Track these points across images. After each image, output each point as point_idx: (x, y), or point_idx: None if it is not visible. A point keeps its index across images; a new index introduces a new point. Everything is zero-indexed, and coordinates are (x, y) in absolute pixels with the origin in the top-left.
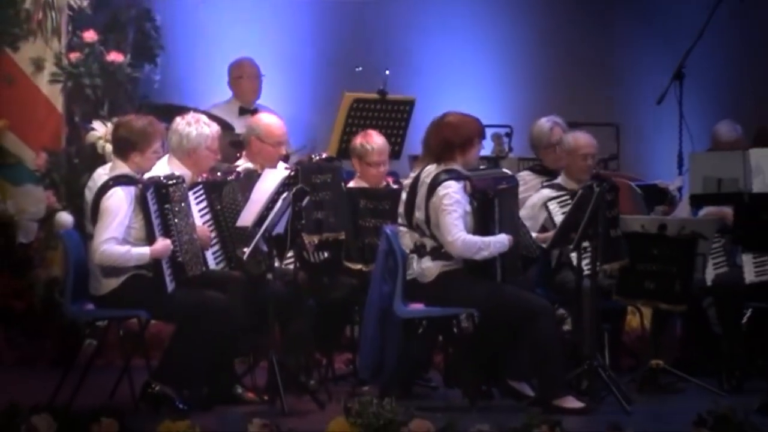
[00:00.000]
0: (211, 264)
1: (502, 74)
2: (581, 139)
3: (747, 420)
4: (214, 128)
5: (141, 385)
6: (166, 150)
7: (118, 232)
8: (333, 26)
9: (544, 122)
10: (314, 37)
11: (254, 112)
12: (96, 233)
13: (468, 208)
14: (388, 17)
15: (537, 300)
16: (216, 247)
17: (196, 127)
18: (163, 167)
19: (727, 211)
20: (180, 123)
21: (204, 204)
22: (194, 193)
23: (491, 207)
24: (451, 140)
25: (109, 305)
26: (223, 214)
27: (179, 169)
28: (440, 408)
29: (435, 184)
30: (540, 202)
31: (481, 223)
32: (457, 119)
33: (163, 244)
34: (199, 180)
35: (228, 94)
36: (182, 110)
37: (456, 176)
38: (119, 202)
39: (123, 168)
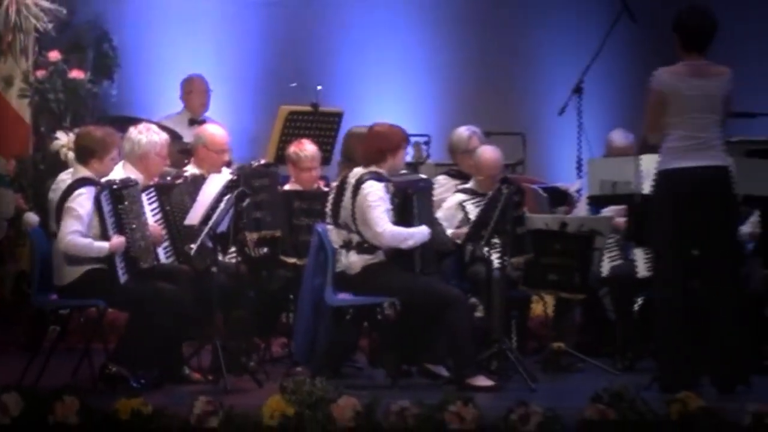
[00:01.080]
0: (162, 258)
1: (420, 88)
2: (488, 158)
3: (638, 396)
4: (163, 136)
5: (99, 367)
6: (123, 157)
7: (82, 226)
8: (272, 47)
9: (463, 131)
10: (256, 57)
11: (202, 123)
12: (62, 227)
13: (390, 205)
14: (321, 38)
15: (452, 290)
16: (166, 244)
17: (146, 135)
18: (119, 172)
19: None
20: (133, 132)
21: (155, 205)
22: (147, 195)
23: (410, 203)
24: (381, 147)
25: (71, 295)
26: (173, 214)
27: (133, 173)
28: (365, 386)
29: (359, 184)
30: (455, 203)
31: (402, 218)
32: (385, 129)
33: (119, 240)
34: (151, 183)
35: (179, 106)
36: (136, 121)
37: (378, 177)
38: (84, 201)
39: (84, 172)
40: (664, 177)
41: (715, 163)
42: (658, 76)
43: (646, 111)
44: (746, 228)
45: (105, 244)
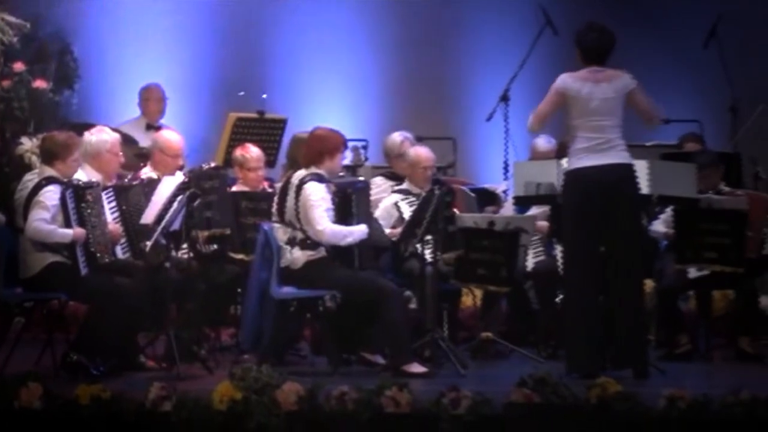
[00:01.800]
0: (119, 254)
1: (360, 96)
2: (421, 154)
3: (560, 381)
4: (114, 135)
5: (61, 356)
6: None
7: (48, 216)
8: (222, 58)
9: (396, 136)
10: (207, 67)
11: (158, 129)
12: (30, 216)
13: (331, 205)
14: (267, 50)
15: (388, 284)
16: (123, 241)
17: (97, 135)
18: (80, 174)
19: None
20: (86, 134)
21: (113, 204)
22: (105, 194)
23: (350, 202)
24: (320, 150)
25: (35, 288)
26: (129, 214)
27: (91, 174)
28: (308, 373)
29: (302, 184)
30: (391, 203)
31: (342, 216)
32: (325, 132)
33: (81, 230)
34: (110, 184)
35: (137, 112)
36: (94, 127)
37: (319, 179)
38: (51, 195)
39: (50, 172)
40: (571, 176)
41: (617, 161)
42: (562, 79)
43: (541, 104)
44: (660, 227)
45: (69, 231)
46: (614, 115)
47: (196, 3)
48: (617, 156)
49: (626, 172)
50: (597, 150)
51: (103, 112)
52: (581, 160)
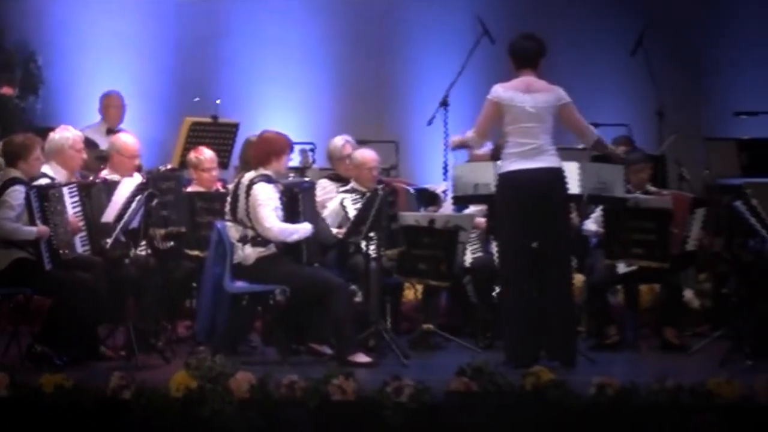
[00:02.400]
0: (78, 249)
1: (308, 101)
2: (367, 156)
3: (497, 370)
4: (76, 133)
5: (26, 347)
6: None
7: (13, 214)
8: (178, 66)
9: (338, 140)
10: (164, 75)
11: (118, 133)
12: None
13: (279, 204)
14: (221, 59)
15: (334, 278)
16: (83, 235)
17: (60, 133)
18: (47, 171)
19: (481, 221)
20: (50, 134)
21: (76, 200)
22: (69, 189)
23: (296, 201)
24: (267, 151)
25: (1, 284)
26: (91, 210)
27: (56, 170)
28: (259, 363)
29: (251, 185)
30: (338, 204)
31: (290, 214)
32: (272, 135)
33: (44, 228)
34: (74, 180)
35: (98, 118)
36: None
37: (268, 179)
38: (17, 195)
39: (15, 173)
40: (504, 179)
41: (547, 165)
42: (495, 90)
43: (480, 118)
44: (592, 225)
45: (33, 228)
46: (545, 123)
47: (153, 14)
48: (547, 160)
49: (555, 175)
50: (528, 154)
51: (66, 117)
52: (513, 163)
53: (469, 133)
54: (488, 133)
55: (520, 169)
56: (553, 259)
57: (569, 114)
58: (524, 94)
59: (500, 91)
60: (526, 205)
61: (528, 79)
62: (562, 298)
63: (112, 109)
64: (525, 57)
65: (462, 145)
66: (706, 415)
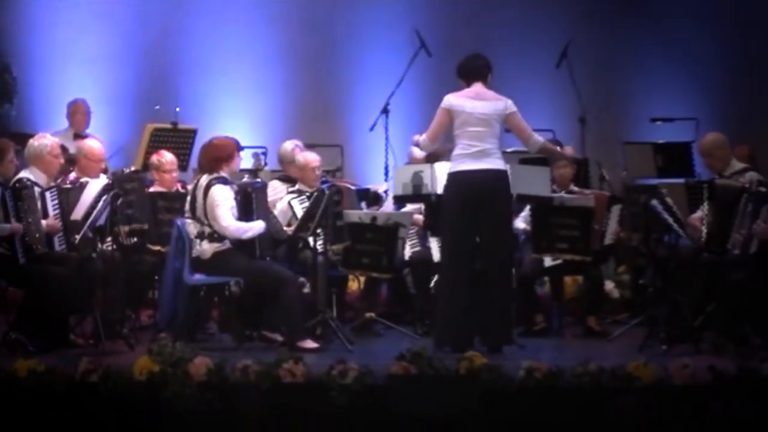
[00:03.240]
0: (57, 247)
1: (260, 108)
2: (309, 157)
3: (434, 355)
4: (53, 140)
5: (2, 334)
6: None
7: None
8: (141, 75)
9: (288, 144)
10: (128, 84)
11: (85, 137)
12: None
13: (234, 203)
14: (181, 69)
15: (285, 271)
16: (60, 234)
17: (38, 140)
18: (28, 174)
19: (419, 217)
20: (30, 141)
21: (56, 202)
22: (50, 193)
23: (250, 200)
24: (217, 156)
25: None
26: (67, 212)
27: (37, 174)
28: (216, 348)
29: (209, 187)
30: (286, 203)
31: (244, 212)
32: (221, 141)
33: (18, 225)
34: (53, 184)
35: (66, 124)
36: (30, 136)
37: (224, 181)
38: None
39: None
40: (452, 178)
41: (492, 167)
42: (447, 98)
43: (433, 125)
44: (521, 223)
45: (7, 225)
46: (492, 128)
47: (118, 29)
48: (492, 162)
49: (500, 176)
50: (475, 156)
51: (38, 123)
52: (462, 164)
53: (422, 138)
54: (439, 138)
55: (468, 170)
56: (494, 253)
57: (516, 122)
58: (474, 101)
59: (452, 99)
60: (471, 202)
61: (478, 88)
62: (502, 289)
63: (78, 115)
64: (475, 72)
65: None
66: (627, 397)
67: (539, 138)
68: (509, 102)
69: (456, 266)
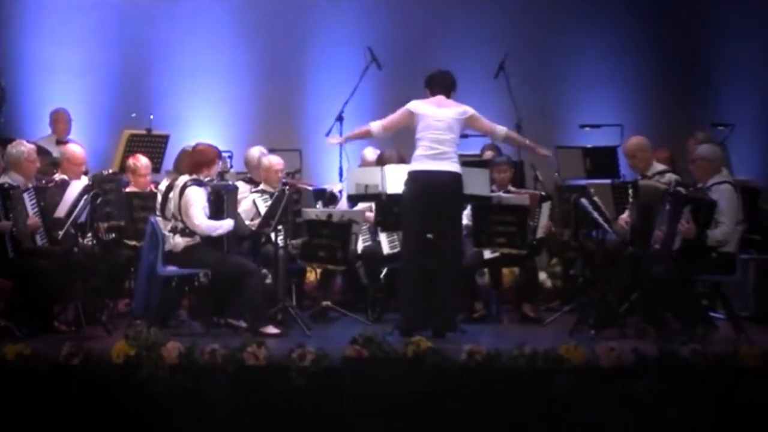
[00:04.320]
0: (39, 242)
1: (227, 116)
2: (273, 161)
3: (384, 339)
4: (29, 147)
5: None
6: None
7: None
8: (119, 86)
9: (254, 150)
10: (107, 93)
11: (66, 143)
12: None
13: (206, 204)
14: (154, 80)
15: (249, 263)
16: (41, 231)
17: (16, 147)
18: (6, 178)
19: (370, 215)
20: (8, 148)
21: (34, 202)
22: (28, 194)
23: (222, 200)
24: (200, 161)
25: None
26: (47, 209)
27: (15, 177)
28: (186, 334)
29: (184, 188)
30: (251, 201)
31: (216, 212)
32: (204, 147)
33: (7, 223)
34: (31, 186)
35: (49, 131)
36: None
37: (199, 183)
38: None
39: None
40: (411, 177)
41: (449, 169)
42: (413, 103)
43: (392, 116)
44: (464, 220)
45: None
46: (452, 133)
47: (98, 43)
48: (449, 165)
49: (455, 177)
50: (434, 158)
51: (24, 130)
52: (422, 164)
53: (376, 125)
54: (391, 131)
55: (427, 170)
56: (446, 248)
57: (475, 121)
58: (436, 108)
59: (418, 104)
60: (427, 200)
61: (440, 98)
62: (450, 282)
63: (60, 123)
64: (442, 85)
65: (359, 136)
66: (559, 376)
67: (502, 128)
68: (467, 107)
69: (413, 256)
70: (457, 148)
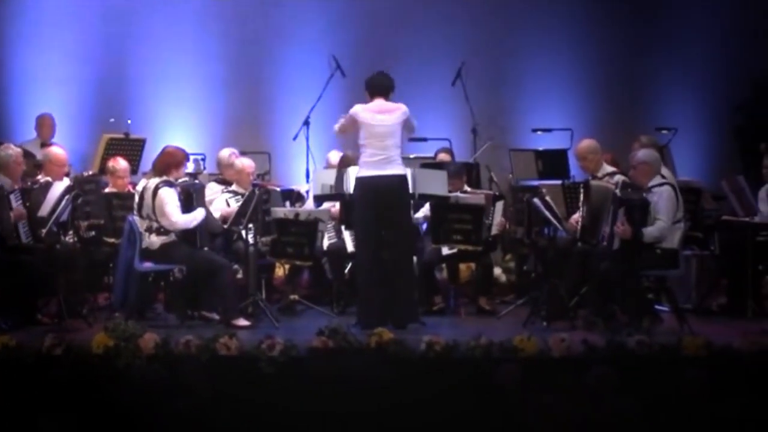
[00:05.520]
0: (23, 238)
1: (200, 120)
2: (245, 163)
3: (348, 331)
4: (17, 150)
5: None
6: None
7: None
8: (98, 92)
9: (225, 151)
10: (88, 99)
11: (50, 146)
12: None
13: (178, 202)
14: (132, 86)
15: (221, 259)
16: (26, 229)
17: (4, 151)
18: None
19: (336, 211)
20: None
21: (20, 202)
22: (14, 195)
23: (191, 198)
24: (169, 162)
25: None
26: (32, 208)
27: (2, 179)
28: (162, 326)
29: (157, 189)
30: (223, 200)
31: (186, 208)
32: (172, 150)
33: None
34: (17, 187)
35: (34, 134)
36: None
37: (169, 184)
38: None
39: None
40: (359, 182)
41: (394, 172)
42: (356, 109)
43: (343, 121)
44: (420, 214)
45: None
46: (394, 138)
47: (78, 52)
48: (395, 168)
49: (401, 180)
50: (379, 164)
51: (11, 133)
52: (367, 170)
53: (336, 126)
54: (348, 133)
55: (373, 175)
56: (399, 246)
57: (407, 122)
58: (377, 114)
59: (359, 111)
60: (377, 203)
61: (380, 102)
62: (405, 275)
63: (45, 127)
64: (380, 88)
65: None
66: (511, 365)
67: (415, 128)
68: (405, 108)
69: (367, 255)
70: (401, 150)
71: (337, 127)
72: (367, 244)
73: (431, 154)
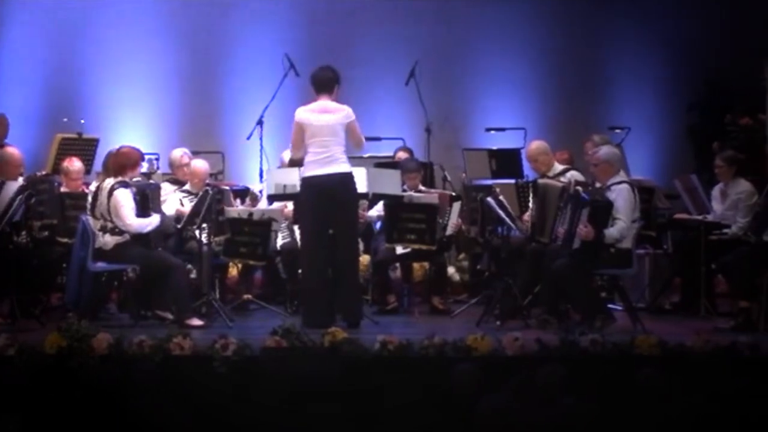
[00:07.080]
0: None
1: (153, 120)
2: (199, 164)
3: (302, 331)
4: None
5: None
6: None
7: None
8: (51, 92)
9: (178, 151)
10: (41, 99)
11: (4, 147)
12: None
13: (134, 203)
14: (84, 87)
15: (175, 259)
16: None
17: None
18: None
19: (289, 210)
20: None
21: None
22: None
23: (147, 199)
24: (124, 163)
25: None
26: None
27: None
28: (116, 326)
29: (112, 190)
30: (177, 200)
31: (142, 209)
32: (127, 150)
33: None
34: None
35: None
36: None
37: (125, 185)
38: None
39: None
40: (304, 181)
41: (338, 170)
42: (298, 112)
43: (293, 138)
44: (374, 213)
45: None
46: (337, 137)
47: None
48: (338, 167)
49: (346, 178)
50: (323, 162)
51: None
52: (312, 170)
53: (287, 153)
54: (302, 146)
55: (317, 174)
56: (345, 243)
57: (351, 128)
58: (319, 114)
59: (301, 113)
60: (323, 201)
61: (323, 102)
62: (351, 273)
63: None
64: (323, 84)
65: (294, 164)
66: (466, 364)
67: (362, 144)
68: (349, 111)
69: (314, 255)
70: (345, 148)
71: (290, 152)
72: (312, 242)
73: (385, 154)
